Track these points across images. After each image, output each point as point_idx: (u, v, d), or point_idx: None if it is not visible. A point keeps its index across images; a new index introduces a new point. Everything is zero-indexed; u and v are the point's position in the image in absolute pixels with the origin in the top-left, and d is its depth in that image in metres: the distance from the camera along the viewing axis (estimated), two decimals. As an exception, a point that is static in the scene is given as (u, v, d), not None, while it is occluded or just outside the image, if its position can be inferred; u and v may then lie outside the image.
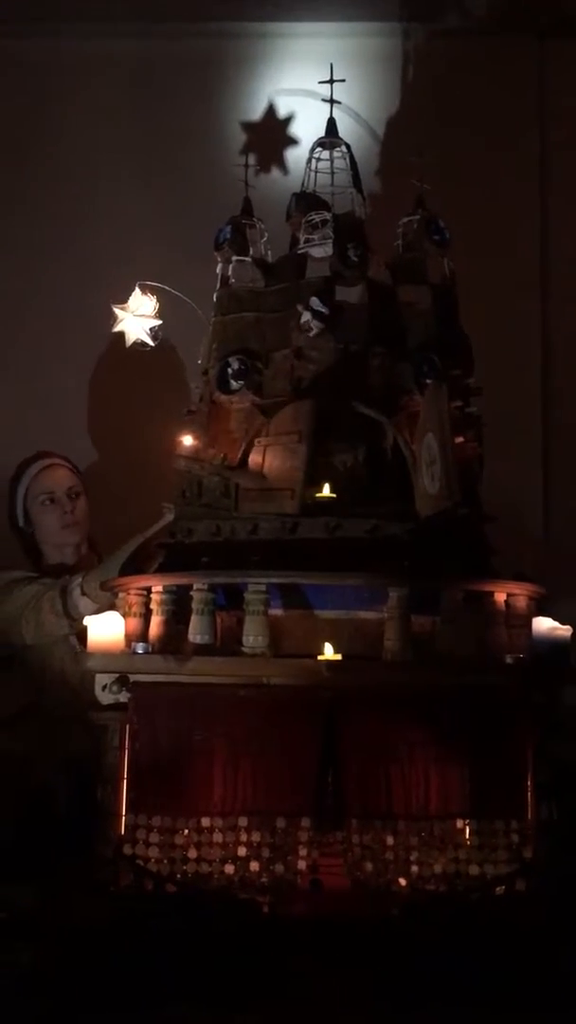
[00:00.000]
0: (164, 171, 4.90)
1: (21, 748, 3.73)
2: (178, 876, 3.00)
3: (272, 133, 4.86)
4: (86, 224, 4.86)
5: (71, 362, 4.78)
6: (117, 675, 3.14)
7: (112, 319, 3.64)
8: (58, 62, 4.96)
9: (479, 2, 4.83)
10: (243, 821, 3.04)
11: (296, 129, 4.85)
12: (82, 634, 3.33)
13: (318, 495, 3.28)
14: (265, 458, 3.36)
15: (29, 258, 4.91)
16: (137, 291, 3.64)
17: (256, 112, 4.91)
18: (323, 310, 3.38)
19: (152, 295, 3.65)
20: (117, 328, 3.64)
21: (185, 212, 4.72)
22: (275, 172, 4.79)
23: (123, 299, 3.64)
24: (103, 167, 4.93)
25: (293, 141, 4.82)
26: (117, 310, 3.64)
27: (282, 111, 4.89)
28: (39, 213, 4.91)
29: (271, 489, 3.30)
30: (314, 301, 3.39)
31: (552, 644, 3.28)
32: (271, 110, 4.91)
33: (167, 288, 3.66)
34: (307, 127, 4.67)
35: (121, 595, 3.37)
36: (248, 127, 4.90)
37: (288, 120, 4.86)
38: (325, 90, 3.87)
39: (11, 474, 4.23)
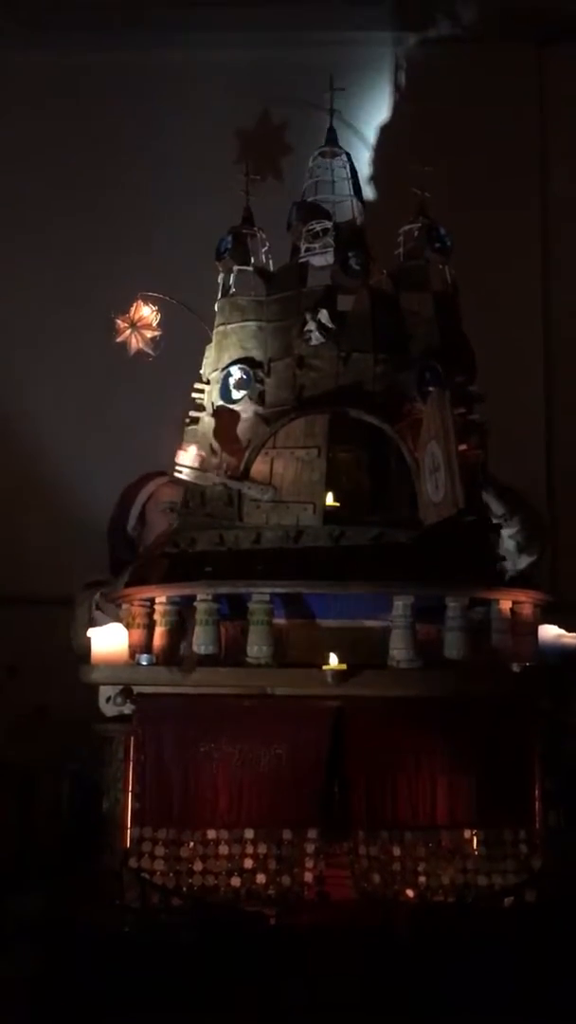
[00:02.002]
0: (160, 184, 4.89)
1: (27, 756, 3.72)
2: (184, 889, 2.99)
3: (267, 142, 4.84)
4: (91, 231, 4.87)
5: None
6: (121, 687, 3.13)
7: (115, 330, 3.64)
8: (55, 74, 4.96)
9: (475, 11, 4.82)
10: (249, 833, 3.02)
11: (291, 138, 4.84)
12: None
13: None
14: (274, 468, 3.35)
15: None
16: (139, 302, 3.64)
17: (251, 122, 4.90)
18: (329, 324, 3.38)
19: (154, 305, 3.65)
20: (120, 339, 3.64)
21: (185, 221, 4.71)
22: (270, 180, 4.77)
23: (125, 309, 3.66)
24: (102, 176, 4.93)
25: (288, 149, 4.81)
26: (119, 321, 3.64)
27: (277, 120, 4.88)
28: (46, 218, 4.93)
29: (285, 501, 3.29)
30: (323, 314, 3.39)
31: (559, 652, 3.28)
32: (266, 119, 4.90)
33: (168, 298, 3.66)
34: (302, 136, 4.65)
35: (124, 606, 3.35)
36: (243, 136, 4.89)
37: (283, 129, 4.85)
38: (320, 99, 3.86)
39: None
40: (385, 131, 4.90)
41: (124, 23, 4.84)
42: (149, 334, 3.63)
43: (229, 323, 3.59)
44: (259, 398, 3.45)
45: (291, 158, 4.77)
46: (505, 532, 3.40)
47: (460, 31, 4.89)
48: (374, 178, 4.78)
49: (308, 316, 3.40)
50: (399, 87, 4.97)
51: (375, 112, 4.92)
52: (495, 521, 3.39)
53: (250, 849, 3.01)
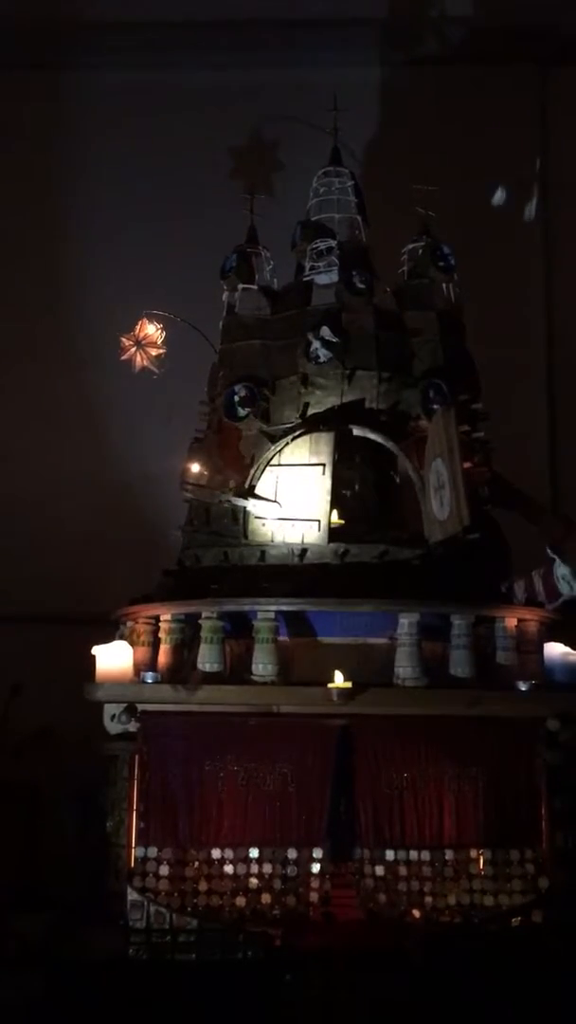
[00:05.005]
0: (163, 202, 4.92)
1: (31, 776, 3.70)
2: (189, 909, 2.96)
3: (260, 160, 4.86)
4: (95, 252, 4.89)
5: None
6: (126, 704, 3.12)
7: (119, 348, 3.66)
8: (58, 96, 4.99)
9: (475, 31, 4.85)
10: (254, 852, 3.00)
11: (284, 156, 4.86)
12: None
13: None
14: (279, 486, 3.35)
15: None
16: (143, 320, 3.67)
17: (244, 140, 4.93)
18: (333, 339, 3.39)
19: (158, 324, 3.67)
20: (124, 357, 3.66)
21: (188, 241, 4.74)
22: (267, 198, 4.78)
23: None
24: (107, 195, 4.96)
25: (281, 166, 4.83)
26: (124, 339, 3.66)
27: (274, 141, 4.90)
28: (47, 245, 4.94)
29: (290, 518, 3.29)
30: (324, 330, 3.40)
31: (566, 670, 3.26)
32: (265, 139, 4.92)
33: (173, 316, 3.68)
34: (295, 155, 4.68)
35: (129, 624, 3.35)
36: (236, 154, 4.91)
37: (275, 147, 4.87)
38: (316, 120, 3.88)
39: None
40: (382, 152, 4.90)
41: (127, 46, 4.88)
42: (154, 352, 3.66)
43: (234, 341, 3.61)
44: (264, 416, 3.45)
45: (284, 176, 4.78)
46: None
47: (460, 51, 4.92)
48: (370, 197, 4.79)
49: (310, 336, 3.41)
50: (396, 108, 4.99)
51: (371, 132, 4.94)
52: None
53: (255, 869, 2.99)
